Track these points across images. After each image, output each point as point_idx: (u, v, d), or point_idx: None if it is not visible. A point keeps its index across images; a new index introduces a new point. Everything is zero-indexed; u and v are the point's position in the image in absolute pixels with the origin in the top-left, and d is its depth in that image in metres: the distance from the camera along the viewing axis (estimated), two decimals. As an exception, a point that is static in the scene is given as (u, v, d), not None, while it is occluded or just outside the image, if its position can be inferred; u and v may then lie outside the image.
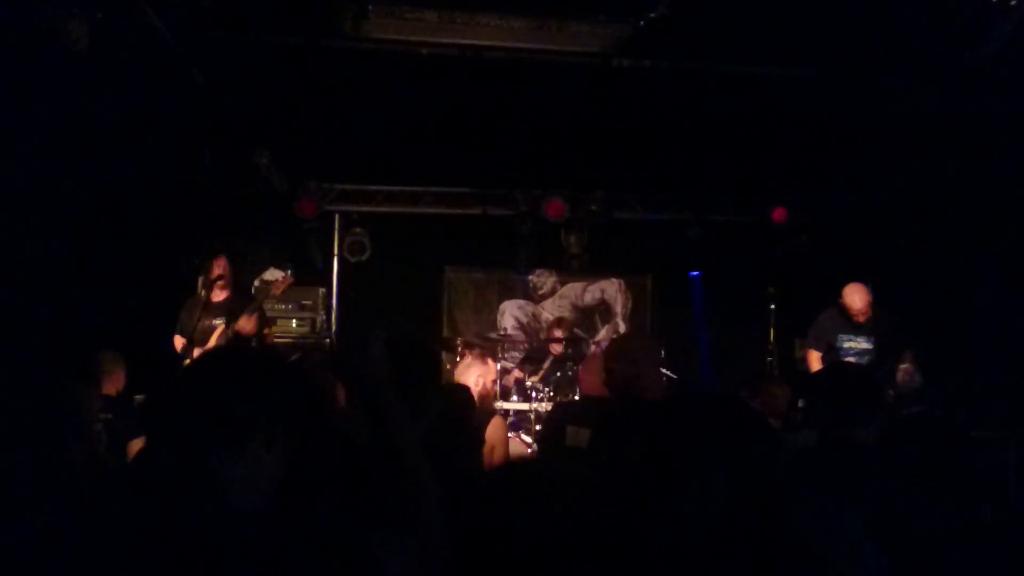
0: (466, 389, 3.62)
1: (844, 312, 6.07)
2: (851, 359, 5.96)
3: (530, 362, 7.83)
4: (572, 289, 8.96)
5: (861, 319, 6.03)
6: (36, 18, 3.81)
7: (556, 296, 8.95)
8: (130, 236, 6.97)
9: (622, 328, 8.80)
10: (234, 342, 5.67)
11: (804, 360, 6.45)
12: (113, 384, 5.14)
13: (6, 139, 4.41)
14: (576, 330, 8.70)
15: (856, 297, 6.04)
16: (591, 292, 8.98)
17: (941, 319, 6.94)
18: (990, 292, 6.68)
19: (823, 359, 6.16)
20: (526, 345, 8.62)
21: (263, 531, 1.54)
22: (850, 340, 6.08)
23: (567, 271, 8.72)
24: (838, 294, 6.11)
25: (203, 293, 6.02)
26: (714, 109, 6.40)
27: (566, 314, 8.85)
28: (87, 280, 5.99)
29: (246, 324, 5.88)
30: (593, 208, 8.08)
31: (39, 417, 2.71)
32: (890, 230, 7.67)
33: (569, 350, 7.56)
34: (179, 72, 5.32)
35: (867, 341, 6.01)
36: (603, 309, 8.98)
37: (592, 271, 8.77)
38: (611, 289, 9.00)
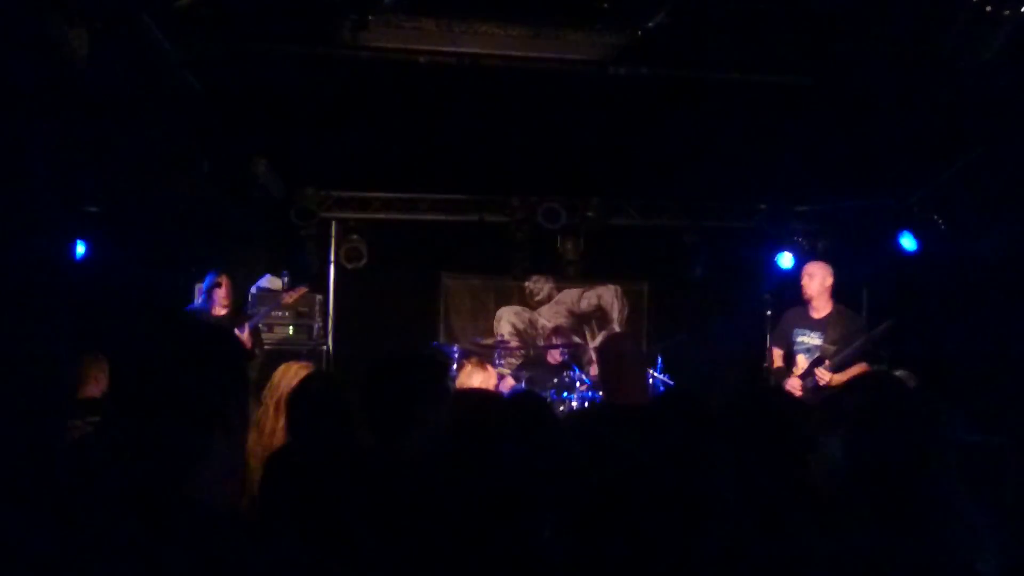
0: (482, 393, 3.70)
1: (806, 306, 6.00)
2: (802, 355, 5.91)
3: (526, 368, 7.84)
4: (569, 295, 8.97)
5: (812, 301, 5.91)
6: (37, 27, 3.81)
7: (553, 302, 8.95)
8: (127, 244, 6.97)
9: (619, 335, 8.80)
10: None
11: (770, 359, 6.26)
12: (97, 386, 5.09)
13: (3, 148, 4.39)
14: (574, 337, 8.73)
15: (805, 272, 6.01)
16: (588, 298, 9.00)
17: (939, 324, 6.96)
18: (990, 296, 6.70)
19: (784, 357, 6.09)
20: (523, 351, 8.62)
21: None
22: (803, 335, 5.96)
23: (564, 277, 8.73)
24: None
25: (207, 297, 6.07)
26: (710, 116, 6.42)
27: (562, 320, 8.86)
28: (84, 287, 5.97)
29: (246, 340, 5.92)
30: (590, 214, 8.10)
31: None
32: (888, 234, 7.70)
33: (567, 357, 7.58)
34: (177, 80, 5.32)
35: (819, 337, 5.87)
36: (600, 315, 8.99)
37: (589, 277, 8.78)
38: (608, 295, 9.01)
